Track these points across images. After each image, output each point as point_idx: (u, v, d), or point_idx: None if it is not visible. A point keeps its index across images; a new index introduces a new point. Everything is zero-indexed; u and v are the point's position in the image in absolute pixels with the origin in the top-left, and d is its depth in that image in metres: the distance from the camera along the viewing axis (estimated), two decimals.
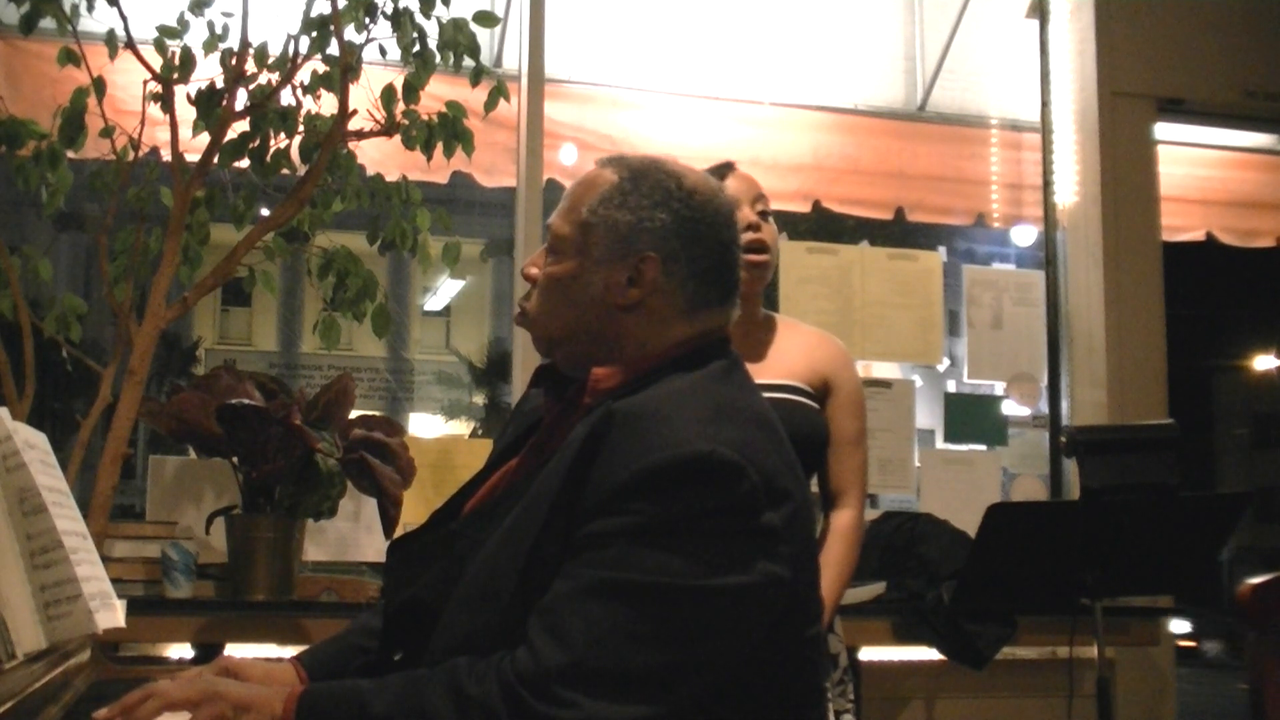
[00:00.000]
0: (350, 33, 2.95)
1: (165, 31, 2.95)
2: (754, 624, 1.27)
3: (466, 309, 22.21)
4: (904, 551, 3.34)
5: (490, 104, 3.09)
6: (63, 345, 2.97)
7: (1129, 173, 4.18)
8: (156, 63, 2.92)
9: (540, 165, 3.76)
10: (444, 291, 21.60)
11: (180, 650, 2.85)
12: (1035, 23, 4.32)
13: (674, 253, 1.39)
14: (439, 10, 3.01)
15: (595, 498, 1.25)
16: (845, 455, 2.26)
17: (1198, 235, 4.79)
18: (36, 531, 1.43)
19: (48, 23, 2.93)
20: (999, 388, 4.18)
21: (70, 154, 2.97)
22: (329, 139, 2.92)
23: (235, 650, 2.75)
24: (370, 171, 3.44)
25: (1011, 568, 2.82)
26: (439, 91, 3.20)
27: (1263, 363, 25.73)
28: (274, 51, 2.99)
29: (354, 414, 3.01)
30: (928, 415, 4.40)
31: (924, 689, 3.65)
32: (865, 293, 4.01)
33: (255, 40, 2.95)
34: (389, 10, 2.98)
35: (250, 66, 2.94)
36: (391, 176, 3.21)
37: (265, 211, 3.15)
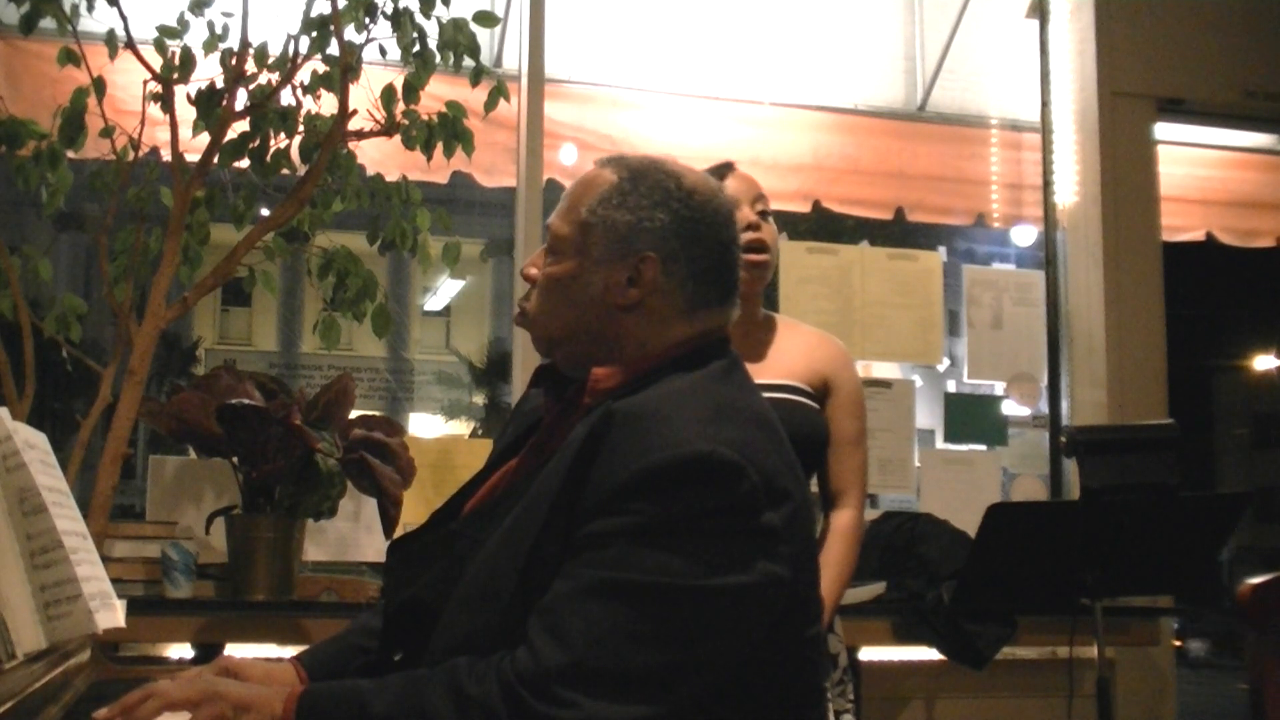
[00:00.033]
0: (350, 33, 2.95)
1: (165, 31, 2.95)
2: (754, 624, 1.27)
3: (466, 309, 22.21)
4: (904, 551, 3.34)
5: (490, 104, 3.09)
6: (63, 345, 2.97)
7: (1129, 173, 4.18)
8: (156, 63, 2.92)
9: (540, 165, 3.76)
10: (444, 291, 21.60)
11: (180, 650, 2.84)
12: (1035, 23, 4.32)
13: (673, 253, 1.40)
14: (439, 10, 3.01)
15: (595, 498, 1.25)
16: (845, 455, 2.26)
17: (1198, 235, 4.79)
18: (36, 531, 1.43)
19: (48, 23, 2.93)
20: (999, 388, 4.18)
21: (70, 154, 2.97)
22: (329, 139, 2.92)
23: (235, 650, 2.75)
24: (370, 171, 3.44)
25: (1011, 568, 2.82)
26: (439, 91, 3.20)
27: (1263, 363, 25.72)
28: (274, 51, 2.99)
29: (354, 414, 3.01)
30: (928, 415, 4.40)
31: (924, 689, 3.65)
32: (865, 293, 4.01)
33: (255, 40, 2.95)
34: (389, 10, 2.98)
35: (250, 66, 2.94)
36: (391, 176, 3.21)
37: (265, 211, 3.15)
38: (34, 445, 1.52)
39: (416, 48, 3.02)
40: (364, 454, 2.79)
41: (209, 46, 2.97)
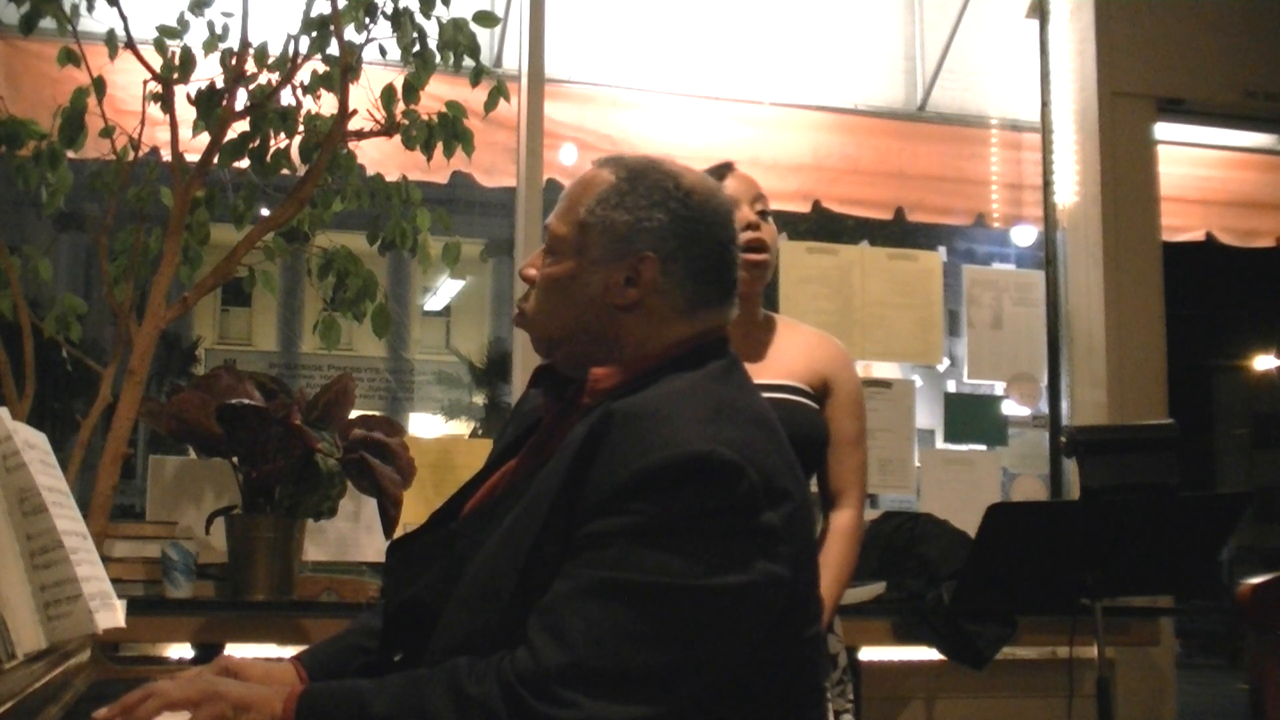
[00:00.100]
0: (350, 33, 2.96)
1: (165, 31, 2.95)
2: (754, 624, 1.27)
3: (466, 309, 22.22)
4: (904, 551, 3.34)
5: (490, 104, 3.09)
6: (63, 345, 2.97)
7: (1129, 173, 4.18)
8: (156, 63, 2.92)
9: (540, 165, 3.76)
10: (444, 291, 21.61)
11: (180, 650, 2.85)
12: (1035, 23, 4.32)
13: (672, 253, 1.40)
14: (439, 10, 3.01)
15: (595, 498, 1.25)
16: (845, 455, 2.26)
17: (1198, 235, 4.79)
18: (36, 531, 1.43)
19: (48, 23, 2.93)
20: (999, 388, 4.18)
21: (70, 154, 2.97)
22: (329, 139, 2.92)
23: (235, 650, 2.75)
24: (370, 171, 3.45)
25: (1011, 568, 2.81)
26: (439, 91, 3.20)
27: (1263, 363, 25.72)
28: (274, 51, 2.99)
29: (354, 414, 3.00)
30: (928, 415, 4.40)
31: (924, 689, 3.65)
32: (865, 293, 4.01)
33: (255, 40, 2.95)
34: (389, 10, 2.98)
35: (250, 66, 2.94)
36: (391, 176, 3.21)
37: (265, 211, 3.15)
38: (34, 445, 1.52)
39: (416, 48, 3.02)
40: (364, 454, 2.79)
41: (209, 46, 2.97)
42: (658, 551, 1.22)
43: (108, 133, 2.92)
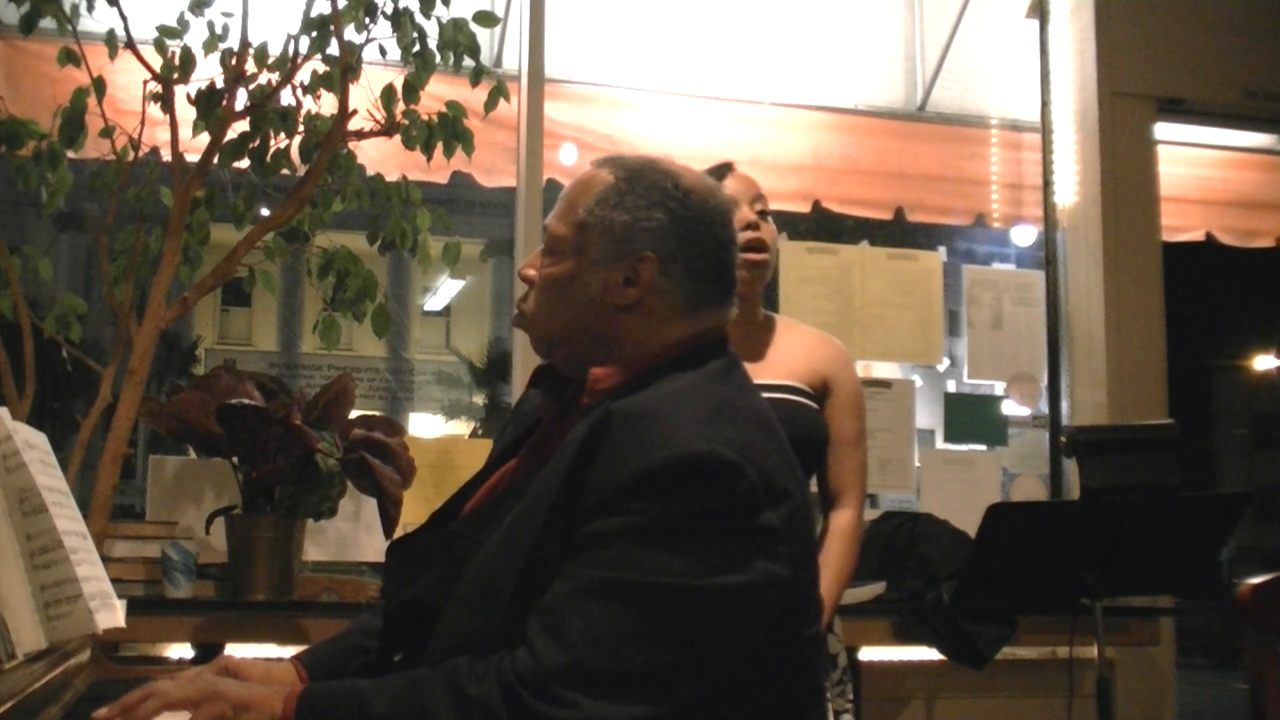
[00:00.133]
0: (350, 33, 2.96)
1: (165, 31, 2.95)
2: (754, 624, 1.27)
3: (466, 309, 22.21)
4: (904, 551, 3.34)
5: (490, 104, 3.09)
6: (63, 345, 2.97)
7: (1129, 173, 4.18)
8: (156, 63, 2.92)
9: (540, 165, 3.76)
10: (444, 291, 21.61)
11: (180, 650, 2.85)
12: (1035, 23, 4.32)
13: (671, 252, 1.40)
14: (439, 10, 3.01)
15: (595, 498, 1.25)
16: (845, 455, 2.26)
17: (1198, 235, 4.79)
18: (36, 531, 1.43)
19: (48, 23, 2.93)
20: (999, 388, 4.18)
21: (70, 154, 2.97)
22: (329, 139, 2.92)
23: (235, 650, 2.75)
24: (370, 171, 3.45)
25: (1011, 568, 2.81)
26: (439, 91, 3.20)
27: (1263, 363, 25.71)
28: (274, 51, 2.99)
29: (354, 414, 3.01)
30: (928, 415, 4.40)
31: (924, 689, 3.65)
32: (865, 293, 4.01)
33: (255, 40, 2.95)
34: (389, 10, 2.98)
35: (250, 66, 2.94)
36: (391, 176, 3.21)
37: (265, 211, 3.15)
38: (34, 445, 1.52)
39: (416, 48, 3.02)
40: (364, 454, 2.79)
41: (209, 46, 2.97)
42: (658, 551, 1.22)
43: (108, 133, 2.92)
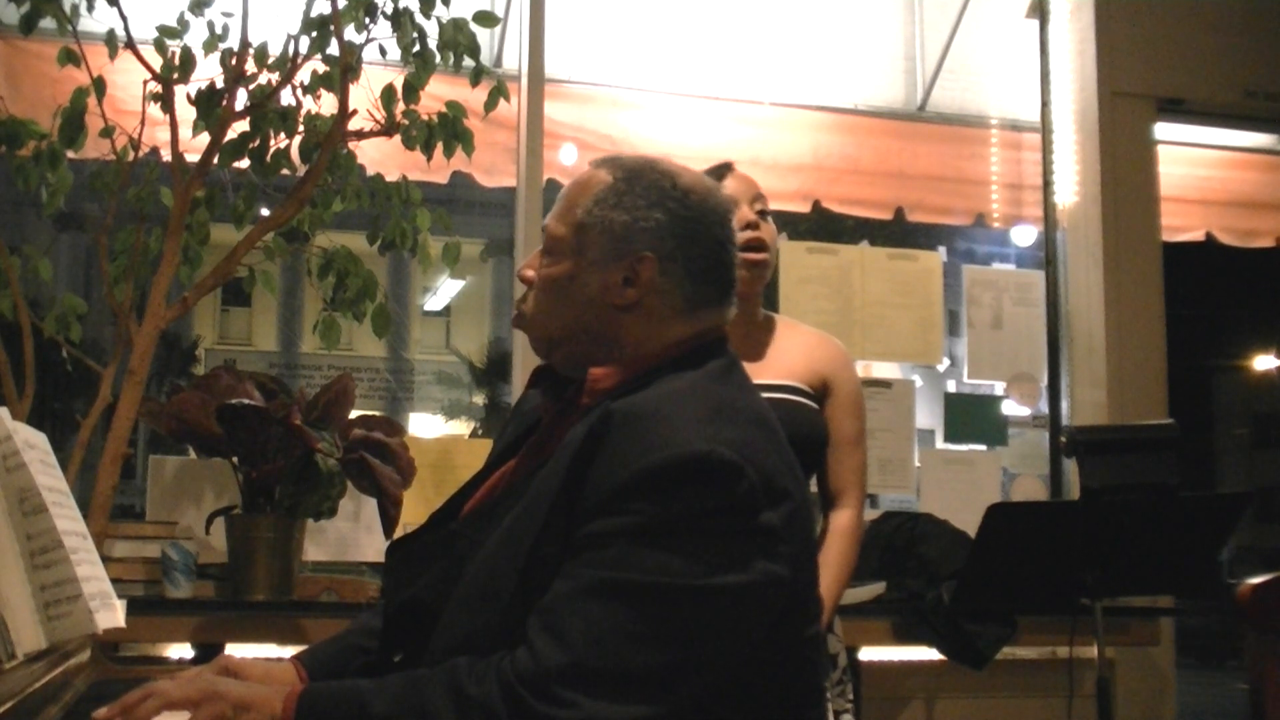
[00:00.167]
0: (350, 33, 2.96)
1: (165, 31, 2.95)
2: (753, 623, 1.27)
3: (466, 309, 22.21)
4: (904, 551, 3.34)
5: (490, 104, 3.09)
6: (63, 345, 2.97)
7: (1129, 173, 4.18)
8: (156, 63, 2.92)
9: (540, 165, 3.76)
10: (444, 291, 21.61)
11: (180, 650, 2.85)
12: (1035, 23, 4.32)
13: (670, 252, 1.40)
14: (439, 10, 3.01)
15: (595, 498, 1.25)
16: (844, 455, 2.26)
17: (1198, 235, 4.79)
18: (36, 531, 1.43)
19: (48, 23, 2.93)
20: (999, 388, 4.18)
21: (70, 154, 2.97)
22: (329, 139, 2.92)
23: (235, 650, 2.75)
24: (370, 171, 3.45)
25: (1011, 568, 2.81)
26: (439, 91, 3.20)
27: (1263, 363, 25.71)
28: (274, 51, 2.99)
29: (354, 414, 3.01)
30: (928, 415, 4.40)
31: (924, 689, 3.65)
32: (865, 293, 4.01)
33: (255, 40, 2.95)
34: (389, 10, 2.98)
35: (250, 66, 2.94)
36: (391, 176, 3.21)
37: (265, 211, 3.15)
38: (34, 445, 1.52)
39: (416, 48, 3.02)
40: (364, 454, 2.79)
41: (209, 46, 2.97)
42: (658, 551, 1.22)
43: (108, 133, 2.92)
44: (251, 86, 2.96)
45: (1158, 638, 3.66)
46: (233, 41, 2.95)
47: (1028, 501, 3.92)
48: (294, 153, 3.03)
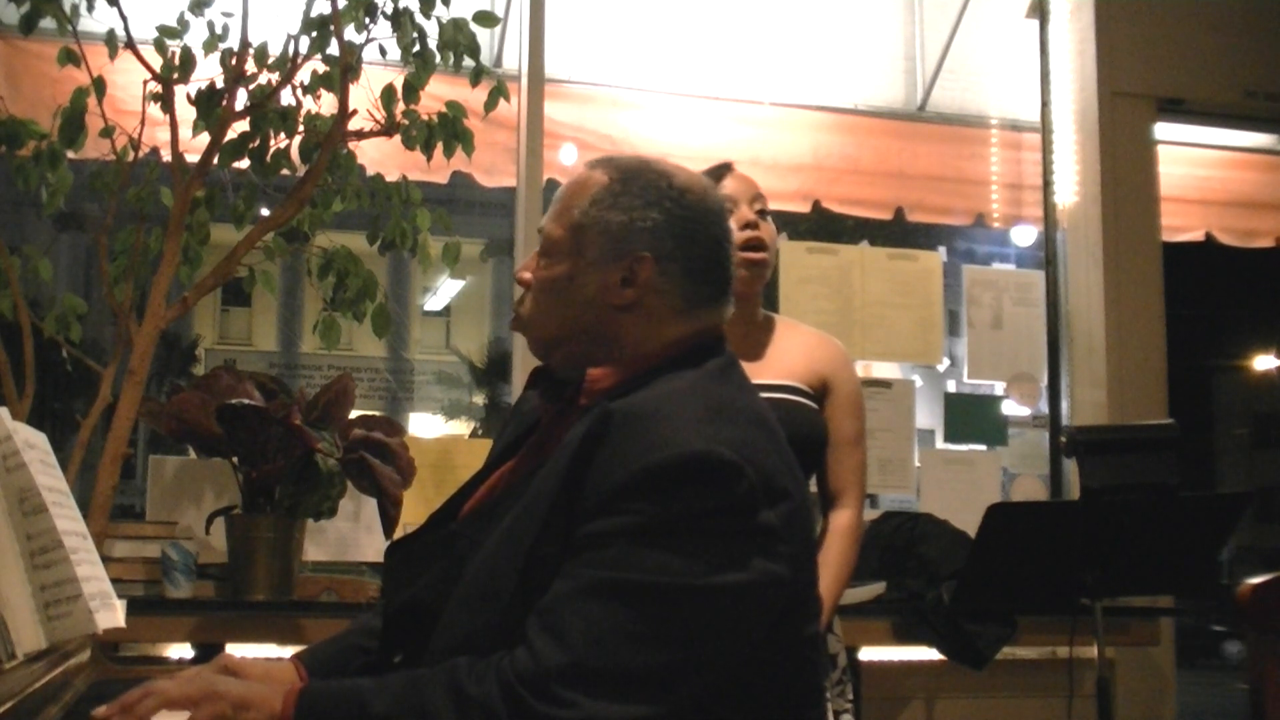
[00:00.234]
0: (350, 33, 2.96)
1: (165, 31, 2.95)
2: (753, 623, 1.27)
3: (466, 309, 22.22)
4: (904, 551, 3.34)
5: (490, 104, 3.09)
6: (63, 345, 2.97)
7: (1129, 173, 4.18)
8: (156, 63, 2.92)
9: (540, 165, 3.76)
10: (444, 291, 21.61)
11: (180, 650, 2.85)
12: (1035, 23, 4.32)
13: (668, 252, 1.40)
14: (439, 10, 3.01)
15: (594, 498, 1.25)
16: (844, 455, 2.26)
17: (1198, 235, 4.79)
18: (36, 531, 1.43)
19: (48, 23, 2.93)
20: (999, 388, 4.18)
21: (70, 154, 2.97)
22: (329, 139, 2.92)
23: (235, 650, 2.75)
24: (370, 171, 3.45)
25: (1011, 568, 2.81)
26: (439, 91, 3.20)
27: (1263, 363, 25.71)
28: (274, 51, 2.99)
29: (354, 414, 3.01)
30: (928, 415, 4.40)
31: (924, 689, 3.65)
32: (865, 293, 4.01)
33: (255, 40, 2.95)
34: (389, 10, 2.98)
35: (250, 66, 2.94)
36: (391, 176, 3.21)
37: (265, 211, 3.15)
38: (34, 445, 1.52)
39: (416, 48, 3.02)
40: (364, 454, 2.79)
41: (209, 46, 2.97)
42: (657, 551, 1.22)
43: (108, 133, 2.92)
44: (251, 86, 2.96)
45: (1158, 638, 3.66)
46: (233, 41, 2.95)
47: (1028, 501, 3.91)
48: (294, 153, 3.03)
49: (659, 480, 1.23)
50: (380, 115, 3.01)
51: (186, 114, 2.96)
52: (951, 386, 6.62)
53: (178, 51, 2.93)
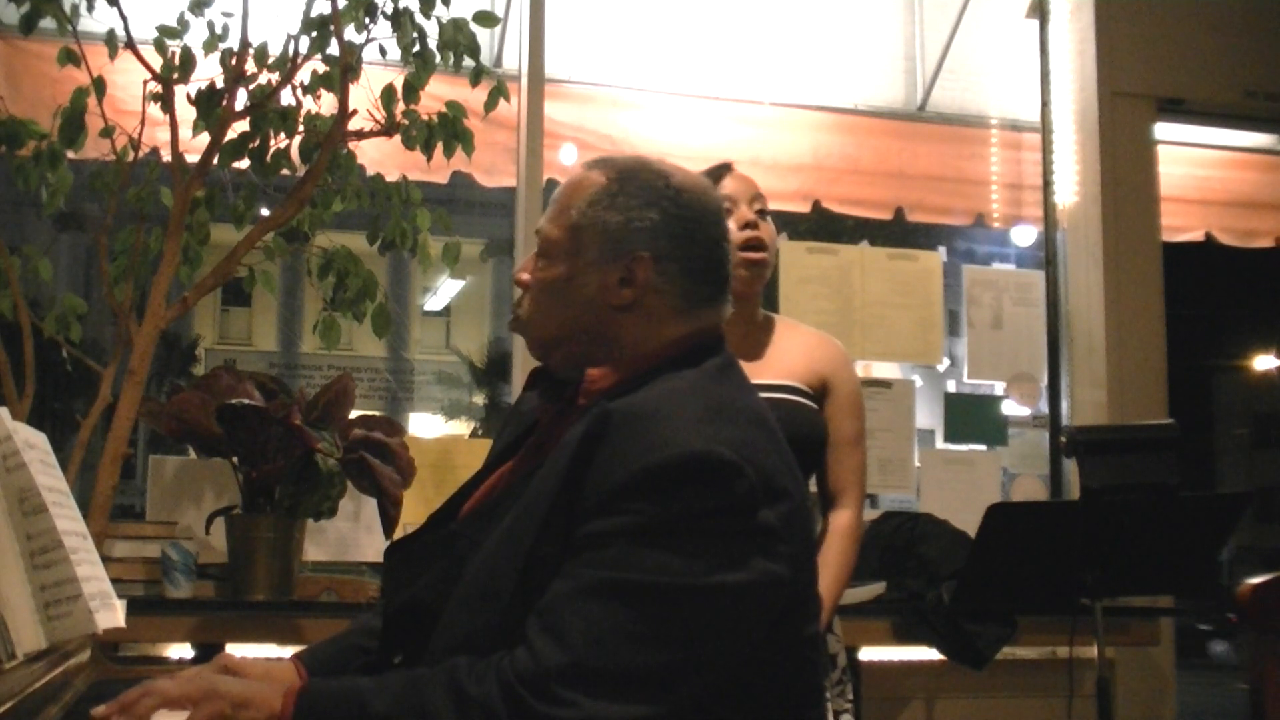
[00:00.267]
0: (350, 33, 2.95)
1: (165, 31, 2.95)
2: (753, 623, 1.27)
3: (466, 309, 22.22)
4: (904, 551, 3.34)
5: (490, 104, 3.09)
6: (63, 345, 2.97)
7: (1129, 173, 4.18)
8: (156, 63, 2.92)
9: (540, 165, 3.76)
10: (444, 291, 21.61)
11: (180, 650, 2.85)
12: (1035, 23, 4.32)
13: (666, 251, 1.40)
14: (439, 10, 3.01)
15: (594, 498, 1.25)
16: (844, 455, 2.26)
17: (1197, 235, 4.79)
18: (36, 531, 1.43)
19: (48, 23, 2.93)
20: (999, 388, 4.18)
21: (70, 154, 2.97)
22: (329, 139, 2.92)
23: (235, 650, 2.74)
24: (370, 171, 3.45)
25: (1011, 568, 2.81)
26: (439, 91, 3.20)
27: (1263, 363, 25.71)
28: (274, 51, 2.99)
29: (354, 414, 3.01)
30: (928, 415, 4.40)
31: (924, 689, 3.65)
32: (865, 293, 4.01)
33: (255, 40, 2.95)
34: (389, 10, 2.98)
35: (250, 66, 2.94)
36: (391, 176, 3.21)
37: (265, 211, 3.15)
38: (34, 445, 1.52)
39: (416, 48, 3.02)
40: (364, 454, 2.79)
41: (209, 46, 2.97)
42: (657, 551, 1.22)
43: (108, 133, 2.92)
44: (251, 86, 2.96)
45: (1158, 638, 3.66)
46: (233, 41, 2.95)
47: (1028, 501, 3.92)
48: (294, 153, 3.03)
49: (659, 480, 1.23)
50: (380, 115, 3.01)
51: (186, 114, 2.96)
52: (951, 386, 6.62)
53: (178, 51, 2.93)
